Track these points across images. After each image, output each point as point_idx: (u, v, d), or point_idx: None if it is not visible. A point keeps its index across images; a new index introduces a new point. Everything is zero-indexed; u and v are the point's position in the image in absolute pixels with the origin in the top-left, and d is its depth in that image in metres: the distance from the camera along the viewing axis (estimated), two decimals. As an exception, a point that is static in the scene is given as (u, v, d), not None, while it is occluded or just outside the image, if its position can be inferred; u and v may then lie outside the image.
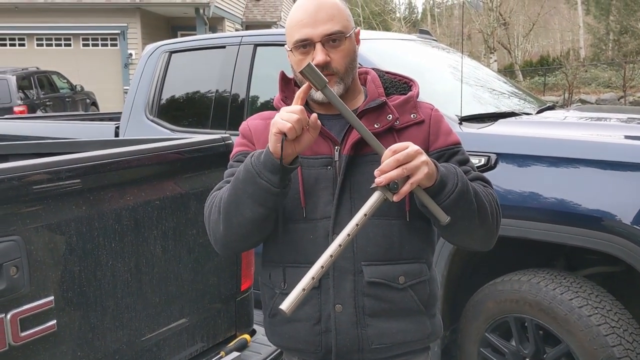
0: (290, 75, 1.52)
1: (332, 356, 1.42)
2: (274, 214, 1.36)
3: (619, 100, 17.19)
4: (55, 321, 1.56)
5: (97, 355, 1.69)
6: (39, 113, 12.18)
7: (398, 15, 39.50)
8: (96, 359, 1.69)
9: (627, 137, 2.61)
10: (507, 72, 21.85)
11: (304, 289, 1.19)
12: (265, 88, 3.45)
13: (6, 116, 6.64)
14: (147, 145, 1.88)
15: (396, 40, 3.98)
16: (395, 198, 1.23)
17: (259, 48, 3.47)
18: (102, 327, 1.70)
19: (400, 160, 1.22)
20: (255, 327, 2.28)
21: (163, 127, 3.70)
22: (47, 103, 13.56)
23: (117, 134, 3.84)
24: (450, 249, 2.51)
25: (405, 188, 1.23)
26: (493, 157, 2.46)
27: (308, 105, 1.48)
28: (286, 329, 1.47)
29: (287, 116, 1.25)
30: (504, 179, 2.42)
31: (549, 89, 19.74)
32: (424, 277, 1.44)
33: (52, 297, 1.55)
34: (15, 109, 11.85)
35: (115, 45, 17.46)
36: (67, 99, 14.54)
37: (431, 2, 39.04)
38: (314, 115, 1.28)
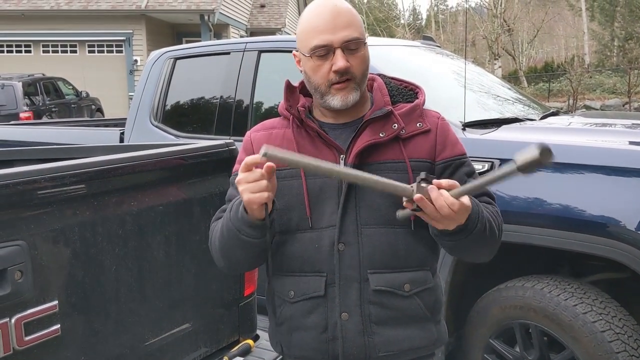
0: (295, 83, 1.53)
1: None
2: (270, 239, 1.37)
3: (623, 106, 17.15)
4: (59, 325, 1.56)
5: (100, 359, 1.69)
6: (44, 119, 12.24)
7: (402, 21, 39.56)
8: (100, 364, 1.69)
9: (631, 143, 2.60)
10: (511, 78, 21.84)
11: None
12: (270, 94, 3.46)
13: (12, 122, 6.67)
14: (151, 151, 1.89)
15: (400, 47, 3.99)
16: (407, 207, 1.23)
17: (263, 54, 3.48)
18: (105, 331, 1.70)
19: (445, 210, 1.21)
20: (258, 332, 2.27)
21: (167, 133, 3.71)
22: (53, 109, 13.63)
23: (121, 140, 3.85)
24: (454, 255, 2.51)
25: (424, 217, 1.25)
26: (496, 163, 2.46)
27: (312, 113, 1.49)
28: (293, 337, 1.46)
29: (255, 187, 1.25)
30: (508, 184, 2.41)
31: (553, 95, 19.71)
32: (429, 285, 1.45)
33: (56, 302, 1.55)
34: (21, 115, 11.92)
35: (121, 51, 17.55)
36: (72, 105, 14.61)
37: (435, 8, 39.11)
38: (266, 166, 1.25)
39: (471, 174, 1.44)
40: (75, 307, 1.61)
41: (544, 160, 1.05)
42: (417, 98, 1.48)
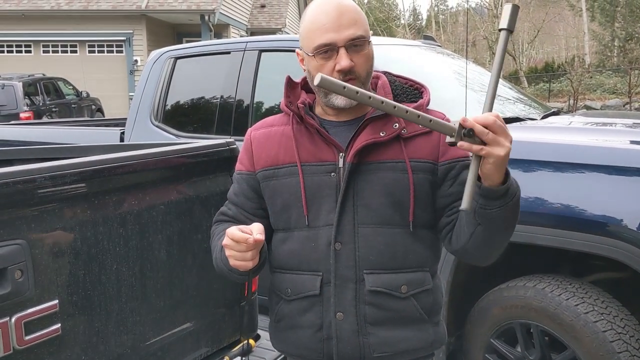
0: (296, 79, 1.52)
1: None
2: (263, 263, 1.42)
3: (624, 106, 17.14)
4: (59, 325, 1.56)
5: (101, 359, 1.69)
6: (44, 119, 12.24)
7: (403, 22, 39.58)
8: (100, 363, 1.69)
9: (632, 142, 2.60)
10: (512, 78, 21.82)
11: (344, 87, 1.16)
12: (270, 94, 3.45)
13: (12, 122, 6.67)
14: (151, 150, 1.88)
15: (401, 46, 3.99)
16: (458, 144, 1.15)
17: (263, 54, 3.48)
18: (106, 331, 1.70)
19: (496, 129, 1.14)
20: (259, 332, 2.27)
21: (168, 133, 3.71)
22: (53, 109, 13.63)
23: (122, 140, 3.85)
24: (455, 255, 2.50)
25: (476, 148, 1.14)
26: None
27: (313, 110, 1.48)
28: (290, 335, 1.47)
29: (240, 257, 1.29)
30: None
31: (554, 95, 19.70)
32: (427, 286, 1.43)
33: (56, 301, 1.55)
34: (22, 115, 11.93)
35: (121, 51, 17.55)
36: (72, 105, 14.62)
37: (436, 9, 39.12)
38: (254, 240, 1.26)
39: None
40: (76, 306, 1.61)
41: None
42: (422, 97, 1.46)
